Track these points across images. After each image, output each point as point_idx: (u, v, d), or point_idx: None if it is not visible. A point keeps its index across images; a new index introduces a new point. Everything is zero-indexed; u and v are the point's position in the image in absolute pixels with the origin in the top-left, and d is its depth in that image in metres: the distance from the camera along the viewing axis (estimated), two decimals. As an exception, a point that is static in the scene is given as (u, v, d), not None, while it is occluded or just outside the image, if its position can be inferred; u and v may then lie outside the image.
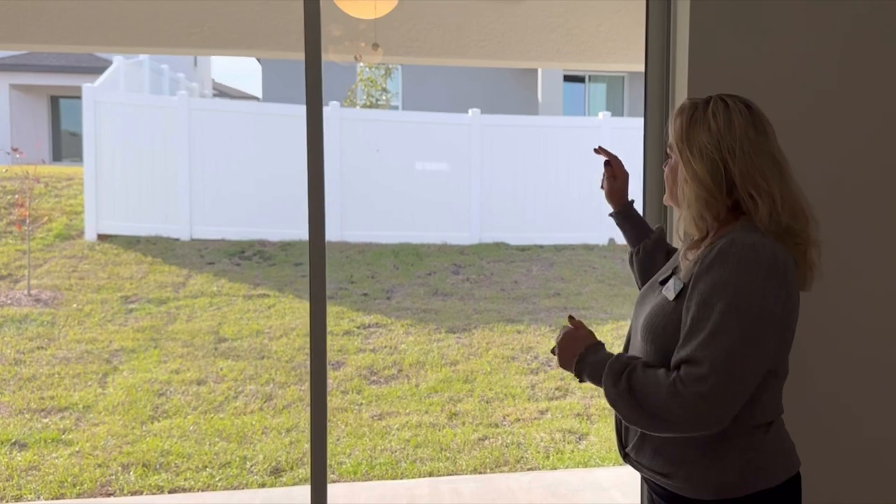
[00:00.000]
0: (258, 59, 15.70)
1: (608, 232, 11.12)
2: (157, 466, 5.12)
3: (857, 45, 2.45)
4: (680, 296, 1.59)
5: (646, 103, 2.68)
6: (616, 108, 13.86)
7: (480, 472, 5.07)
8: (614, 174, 2.21)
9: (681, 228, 1.68)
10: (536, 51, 4.83)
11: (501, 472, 5.07)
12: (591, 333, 1.68)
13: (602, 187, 2.23)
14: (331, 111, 11.10)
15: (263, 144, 10.83)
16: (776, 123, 1.69)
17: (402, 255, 10.32)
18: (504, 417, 5.92)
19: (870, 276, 2.47)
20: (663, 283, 1.72)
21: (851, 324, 2.47)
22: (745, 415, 1.55)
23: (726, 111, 1.63)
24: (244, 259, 9.97)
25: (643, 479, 1.80)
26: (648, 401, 1.50)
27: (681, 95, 2.51)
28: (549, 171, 11.37)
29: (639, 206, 2.66)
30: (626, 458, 1.75)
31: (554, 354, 1.71)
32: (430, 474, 5.05)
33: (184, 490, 4.85)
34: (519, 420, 5.86)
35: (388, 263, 10.04)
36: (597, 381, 1.60)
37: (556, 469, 5.06)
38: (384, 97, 13.76)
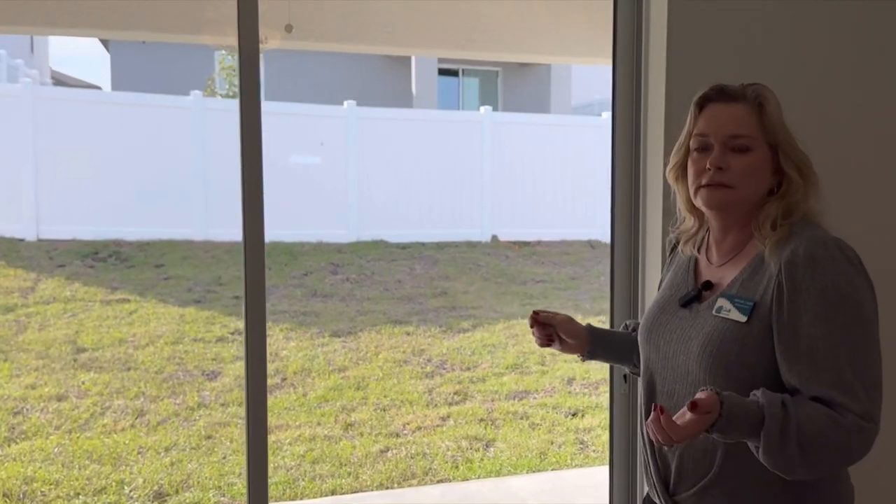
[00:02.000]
0: (106, 47, 14.65)
1: (490, 228, 11.08)
2: (21, 496, 4.53)
3: (843, 41, 2.37)
4: (752, 315, 1.40)
5: (614, 99, 2.47)
6: (490, 103, 13.84)
7: (387, 487, 4.77)
8: (553, 327, 1.77)
9: (764, 225, 1.47)
10: (445, 38, 4.59)
11: (410, 485, 4.79)
12: (713, 392, 1.32)
13: (548, 345, 1.79)
14: (192, 101, 10.47)
15: (116, 136, 10.03)
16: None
17: (273, 254, 9.83)
18: (404, 426, 5.64)
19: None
20: (690, 302, 1.54)
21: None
22: None
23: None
24: (99, 261, 9.21)
25: None
26: (822, 445, 1.32)
27: (654, 90, 2.33)
28: (430, 167, 11.18)
29: (604, 202, 2.48)
30: None
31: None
32: (333, 492, 4.71)
33: (54, 523, 4.32)
34: (420, 428, 5.60)
35: (260, 263, 9.54)
36: (742, 435, 1.33)
37: (467, 480, 4.84)
38: (248, 87, 13.07)
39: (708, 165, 1.47)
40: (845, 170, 2.36)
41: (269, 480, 4.88)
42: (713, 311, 1.47)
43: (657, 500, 1.59)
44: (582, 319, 1.83)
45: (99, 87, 17.66)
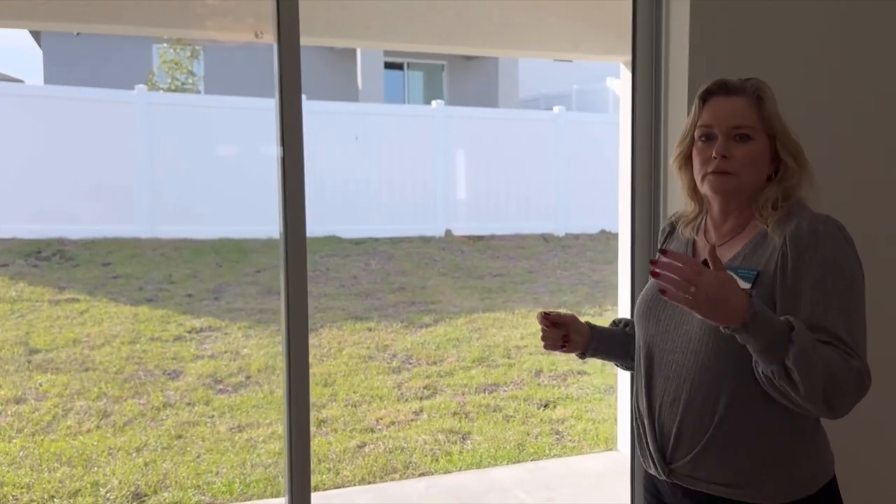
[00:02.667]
0: (37, 40, 14.17)
1: (444, 223, 11.07)
2: (-9, 502, 4.42)
3: (860, 40, 2.46)
4: (756, 283, 1.53)
5: (634, 96, 2.54)
6: (435, 97, 13.82)
7: (369, 482, 4.78)
8: (566, 326, 1.79)
9: (765, 206, 1.59)
10: (426, 33, 4.60)
11: (392, 479, 4.81)
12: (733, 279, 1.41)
13: (557, 348, 1.78)
14: (137, 95, 10.22)
15: (55, 131, 9.73)
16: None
17: (223, 251, 9.68)
18: (377, 421, 5.64)
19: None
20: None
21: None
22: None
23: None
24: (42, 260, 8.94)
25: (671, 490, 1.65)
26: (840, 379, 1.43)
27: (675, 87, 2.40)
28: (382, 161, 11.13)
29: (625, 201, 2.54)
30: (672, 473, 1.62)
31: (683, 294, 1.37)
32: (316, 488, 4.68)
33: (31, 528, 4.21)
34: (394, 423, 5.61)
35: (210, 261, 9.38)
36: (766, 341, 1.40)
37: (449, 472, 4.87)
38: (191, 80, 12.80)
39: (714, 154, 1.59)
40: (855, 162, 2.48)
41: (248, 479, 4.88)
42: None
43: (653, 471, 1.66)
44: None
45: (21, 81, 17.03)
